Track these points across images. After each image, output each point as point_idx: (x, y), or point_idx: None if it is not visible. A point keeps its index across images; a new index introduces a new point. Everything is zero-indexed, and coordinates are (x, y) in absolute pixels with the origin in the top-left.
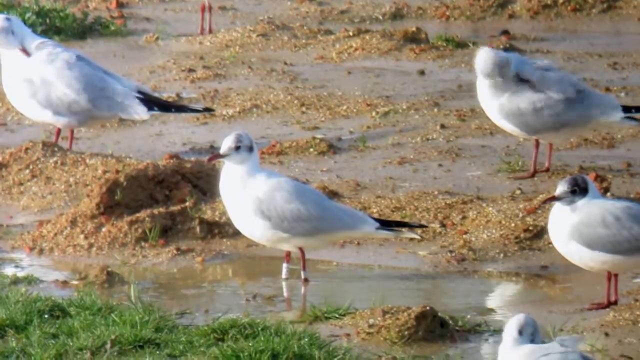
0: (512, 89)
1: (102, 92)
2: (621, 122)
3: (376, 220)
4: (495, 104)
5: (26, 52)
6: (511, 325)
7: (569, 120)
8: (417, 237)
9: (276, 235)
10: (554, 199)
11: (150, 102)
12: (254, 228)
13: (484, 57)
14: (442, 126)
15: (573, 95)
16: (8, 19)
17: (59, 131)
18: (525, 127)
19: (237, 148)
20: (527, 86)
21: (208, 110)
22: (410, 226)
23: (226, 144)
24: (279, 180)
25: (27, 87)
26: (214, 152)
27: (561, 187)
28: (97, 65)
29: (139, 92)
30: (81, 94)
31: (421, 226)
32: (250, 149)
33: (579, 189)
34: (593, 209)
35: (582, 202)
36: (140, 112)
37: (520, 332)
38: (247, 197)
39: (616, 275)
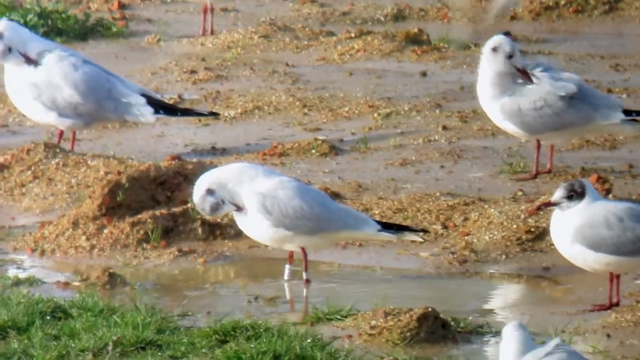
0: (513, 88)
1: (109, 94)
2: (621, 124)
3: (378, 223)
4: (496, 105)
5: (31, 60)
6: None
7: (569, 120)
8: (420, 240)
9: (278, 233)
10: (550, 204)
11: (156, 105)
12: (257, 226)
13: (499, 35)
14: (444, 127)
15: (574, 90)
16: (1, 37)
17: (61, 133)
18: (526, 127)
19: None
20: (527, 85)
21: (214, 114)
22: (412, 230)
23: None
24: (281, 179)
25: (31, 89)
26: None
27: (558, 193)
28: (101, 67)
29: (144, 95)
30: (88, 96)
31: (423, 231)
32: None
33: (575, 195)
34: (596, 211)
35: (583, 205)
36: (146, 114)
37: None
38: (249, 194)
39: (618, 277)
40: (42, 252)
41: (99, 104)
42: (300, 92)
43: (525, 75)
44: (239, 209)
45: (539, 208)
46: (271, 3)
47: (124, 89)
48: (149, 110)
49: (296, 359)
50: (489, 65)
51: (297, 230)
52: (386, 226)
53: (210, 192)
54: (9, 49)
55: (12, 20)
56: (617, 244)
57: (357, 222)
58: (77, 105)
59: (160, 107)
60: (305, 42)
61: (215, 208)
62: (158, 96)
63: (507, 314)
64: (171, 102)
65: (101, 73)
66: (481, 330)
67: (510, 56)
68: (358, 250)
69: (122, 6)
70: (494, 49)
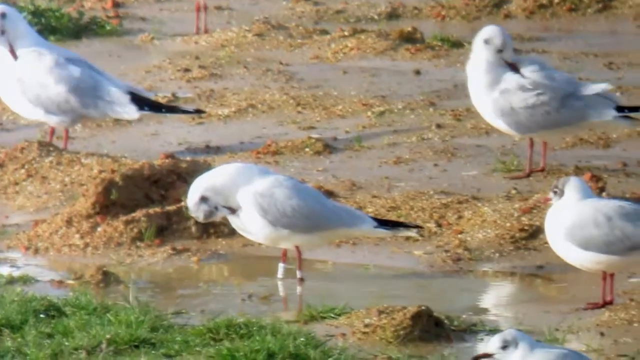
0: (504, 81)
1: (92, 92)
2: (614, 121)
3: (373, 219)
4: (488, 100)
5: (14, 53)
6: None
7: (562, 119)
8: (415, 235)
9: (276, 232)
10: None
11: (141, 101)
12: (253, 225)
13: (492, 27)
14: (438, 126)
15: (567, 94)
16: (4, 16)
17: (52, 130)
18: (518, 126)
19: None
20: (518, 80)
21: (199, 112)
22: (406, 226)
23: None
24: (277, 177)
25: (18, 86)
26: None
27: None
28: (89, 64)
29: (130, 92)
30: (70, 94)
31: (417, 227)
32: None
33: (558, 191)
34: (585, 210)
35: (573, 203)
36: (129, 111)
37: (505, 347)
38: (246, 194)
39: (612, 275)
40: (36, 251)
41: (82, 102)
42: (294, 90)
43: (514, 68)
44: (233, 211)
45: (531, 208)
46: (265, 1)
47: (108, 86)
48: (132, 107)
49: (290, 357)
50: (480, 56)
51: (294, 228)
52: (381, 222)
53: (203, 199)
54: (2, 32)
55: (18, 11)
56: (607, 243)
57: (353, 219)
58: (61, 103)
59: (145, 103)
60: (299, 41)
61: (209, 215)
62: (145, 93)
63: (501, 312)
64: (164, 100)
65: (85, 71)
66: (475, 329)
67: (500, 50)
68: (352, 249)
69: (116, 4)
70: (486, 41)
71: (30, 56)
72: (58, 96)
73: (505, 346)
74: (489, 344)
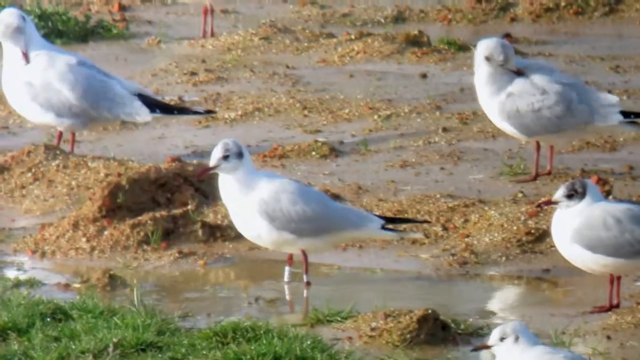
0: (510, 84)
1: (104, 95)
2: (620, 125)
3: (380, 217)
4: (494, 103)
5: (26, 56)
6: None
7: (568, 122)
8: (421, 236)
9: (282, 237)
10: (550, 202)
11: (153, 104)
12: (260, 231)
13: (490, 41)
14: (444, 129)
15: (573, 98)
16: (24, 19)
17: (60, 134)
18: (524, 129)
19: (226, 157)
20: (524, 84)
21: (210, 112)
22: (414, 222)
23: (214, 155)
24: (282, 182)
25: (27, 90)
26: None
27: (559, 192)
28: (98, 68)
29: (141, 94)
30: (82, 97)
31: (425, 222)
32: (240, 155)
33: (575, 194)
34: (594, 212)
35: (583, 206)
36: (142, 114)
37: (502, 339)
38: (251, 201)
39: (619, 278)
40: (43, 254)
41: (93, 105)
42: (300, 94)
43: (521, 74)
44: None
45: (539, 206)
46: (271, 5)
47: (120, 89)
48: (144, 110)
49: None
50: (482, 69)
51: (299, 233)
52: (388, 220)
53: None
54: (21, 33)
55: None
56: (615, 246)
57: (359, 219)
58: (72, 106)
59: (156, 106)
60: (306, 44)
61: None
62: (155, 96)
63: (507, 315)
64: (171, 103)
65: (96, 75)
66: (481, 332)
67: (502, 64)
68: (358, 252)
69: (123, 8)
70: (487, 58)
71: (41, 60)
72: (70, 99)
73: (503, 338)
74: (491, 337)
